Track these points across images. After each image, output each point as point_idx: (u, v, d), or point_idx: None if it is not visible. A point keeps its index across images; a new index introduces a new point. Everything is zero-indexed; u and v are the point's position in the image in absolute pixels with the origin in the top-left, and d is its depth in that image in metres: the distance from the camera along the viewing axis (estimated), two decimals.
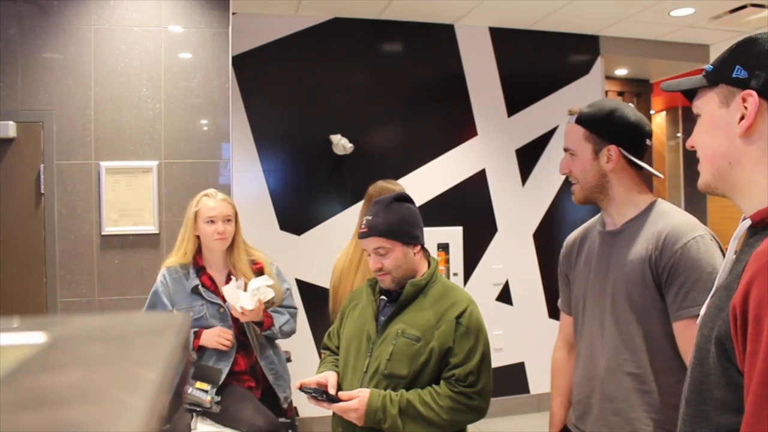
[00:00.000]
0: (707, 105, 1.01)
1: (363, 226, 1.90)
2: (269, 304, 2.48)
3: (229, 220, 2.45)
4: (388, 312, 1.88)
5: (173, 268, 2.46)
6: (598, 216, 1.72)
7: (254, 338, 2.49)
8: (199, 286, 2.43)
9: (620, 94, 5.56)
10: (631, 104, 1.61)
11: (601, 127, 1.56)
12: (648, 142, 1.60)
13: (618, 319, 1.53)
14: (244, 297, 2.33)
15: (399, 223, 1.86)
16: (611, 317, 1.55)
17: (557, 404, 1.83)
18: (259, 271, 2.54)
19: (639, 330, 1.49)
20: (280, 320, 2.51)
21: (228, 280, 2.47)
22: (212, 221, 2.41)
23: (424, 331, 1.79)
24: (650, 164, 1.61)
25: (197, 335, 2.37)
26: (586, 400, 1.63)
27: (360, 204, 2.83)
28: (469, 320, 1.81)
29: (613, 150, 1.55)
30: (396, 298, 1.90)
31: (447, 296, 1.87)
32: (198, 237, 2.46)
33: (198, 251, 2.48)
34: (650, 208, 1.56)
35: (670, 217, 1.50)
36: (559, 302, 1.89)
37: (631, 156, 1.56)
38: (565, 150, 1.63)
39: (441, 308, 1.83)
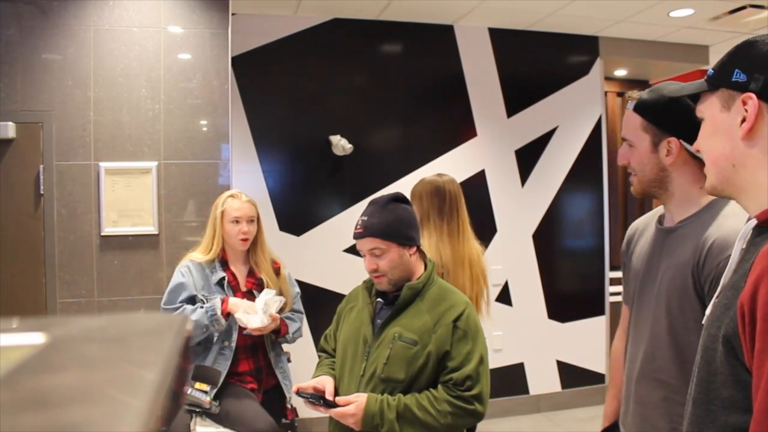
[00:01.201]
0: (710, 109, 1.02)
1: (358, 227, 1.86)
2: (281, 311, 2.52)
3: (252, 221, 2.51)
4: (385, 315, 1.85)
5: (198, 262, 2.49)
6: (661, 207, 1.57)
7: (267, 337, 2.55)
8: (225, 279, 2.49)
9: (620, 95, 5.56)
10: None
11: (661, 116, 1.42)
12: None
13: (656, 324, 1.44)
14: (255, 318, 2.37)
15: (395, 224, 1.83)
16: (651, 320, 1.46)
17: (611, 396, 1.76)
18: (277, 271, 2.61)
19: (674, 339, 1.39)
20: (292, 327, 2.59)
21: (249, 276, 2.54)
22: (237, 221, 2.47)
23: (421, 334, 1.77)
24: None
25: (223, 301, 2.38)
26: (627, 399, 1.56)
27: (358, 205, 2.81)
28: (466, 324, 1.79)
29: (673, 143, 1.41)
30: (392, 300, 1.87)
31: (444, 299, 1.84)
32: (223, 236, 2.52)
33: (223, 247, 2.54)
34: (709, 207, 1.41)
35: (723, 222, 1.35)
36: (622, 293, 1.75)
37: (693, 150, 1.40)
38: (623, 140, 1.51)
39: (438, 311, 1.80)
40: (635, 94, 1.48)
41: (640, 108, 1.45)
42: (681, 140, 1.41)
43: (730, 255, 1.25)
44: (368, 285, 1.96)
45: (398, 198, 1.90)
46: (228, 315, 2.38)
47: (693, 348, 1.32)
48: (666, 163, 1.43)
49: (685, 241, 1.40)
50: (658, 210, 1.60)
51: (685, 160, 1.43)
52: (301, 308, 2.72)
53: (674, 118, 1.41)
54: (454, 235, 2.44)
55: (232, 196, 2.54)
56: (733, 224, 1.33)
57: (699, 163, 1.41)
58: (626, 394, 1.57)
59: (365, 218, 1.85)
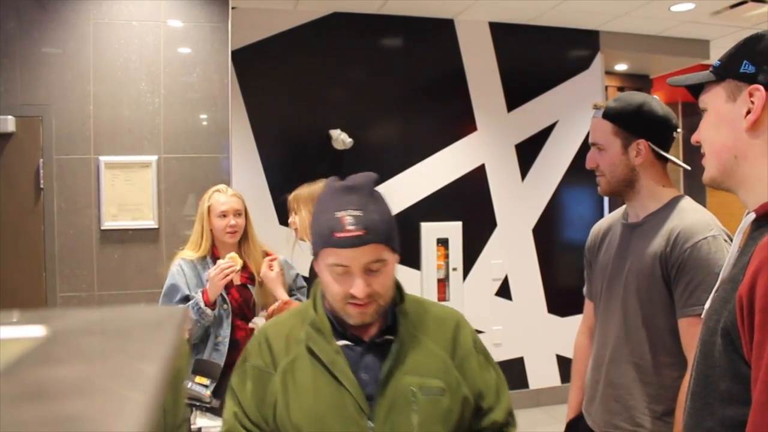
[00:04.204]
0: (714, 100, 1.01)
1: (350, 226, 1.14)
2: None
3: (239, 214, 2.51)
4: (371, 362, 1.23)
5: (189, 260, 2.49)
6: (623, 207, 1.74)
7: None
8: None
9: (620, 89, 5.55)
10: (656, 97, 1.63)
11: (630, 121, 1.57)
12: (674, 134, 1.61)
13: (626, 310, 1.57)
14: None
15: (393, 222, 1.23)
16: (621, 307, 1.58)
17: (576, 388, 1.85)
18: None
19: (644, 323, 1.53)
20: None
21: (242, 270, 2.50)
22: (224, 215, 2.47)
23: (445, 376, 1.24)
24: (676, 156, 1.62)
25: (203, 292, 2.36)
26: (594, 386, 1.67)
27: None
28: (480, 343, 1.35)
29: (642, 144, 1.56)
30: (372, 339, 1.24)
31: (435, 316, 1.33)
32: (211, 231, 2.51)
33: (213, 243, 2.54)
34: (671, 203, 1.57)
35: (686, 215, 1.51)
36: (584, 289, 1.89)
37: (660, 150, 1.57)
38: (592, 144, 1.65)
39: (445, 336, 1.29)
40: (601, 103, 1.63)
41: (610, 115, 1.59)
42: (649, 142, 1.56)
43: (695, 242, 1.43)
44: (315, 325, 1.25)
45: (377, 181, 1.28)
46: (214, 304, 2.37)
47: (661, 331, 1.51)
48: (635, 164, 1.58)
49: (651, 233, 1.54)
50: (618, 211, 1.77)
51: (651, 161, 1.58)
52: (303, 284, 2.74)
53: (642, 123, 1.56)
54: None
55: (217, 190, 2.54)
56: (694, 216, 1.50)
57: (663, 163, 1.61)
58: (594, 380, 1.67)
59: (359, 213, 1.15)
